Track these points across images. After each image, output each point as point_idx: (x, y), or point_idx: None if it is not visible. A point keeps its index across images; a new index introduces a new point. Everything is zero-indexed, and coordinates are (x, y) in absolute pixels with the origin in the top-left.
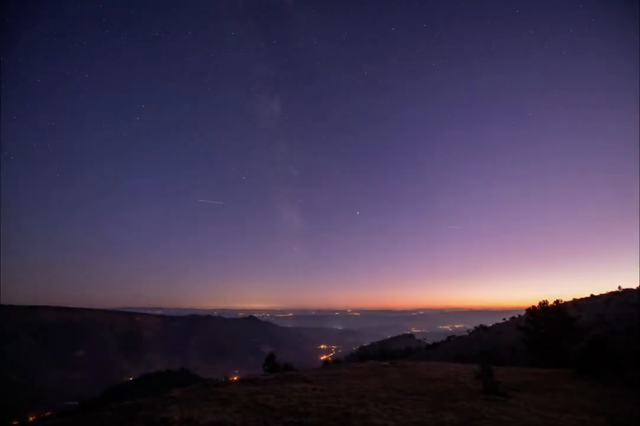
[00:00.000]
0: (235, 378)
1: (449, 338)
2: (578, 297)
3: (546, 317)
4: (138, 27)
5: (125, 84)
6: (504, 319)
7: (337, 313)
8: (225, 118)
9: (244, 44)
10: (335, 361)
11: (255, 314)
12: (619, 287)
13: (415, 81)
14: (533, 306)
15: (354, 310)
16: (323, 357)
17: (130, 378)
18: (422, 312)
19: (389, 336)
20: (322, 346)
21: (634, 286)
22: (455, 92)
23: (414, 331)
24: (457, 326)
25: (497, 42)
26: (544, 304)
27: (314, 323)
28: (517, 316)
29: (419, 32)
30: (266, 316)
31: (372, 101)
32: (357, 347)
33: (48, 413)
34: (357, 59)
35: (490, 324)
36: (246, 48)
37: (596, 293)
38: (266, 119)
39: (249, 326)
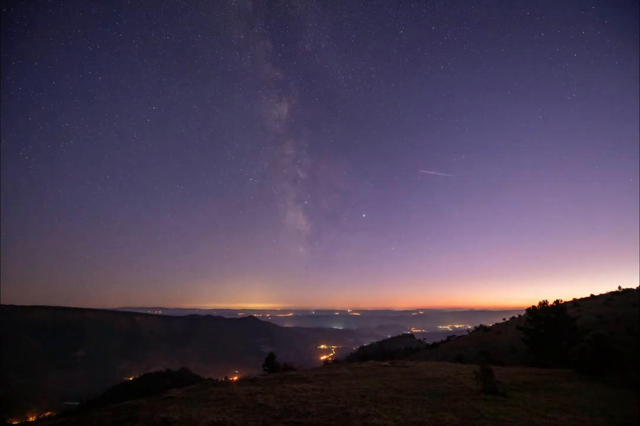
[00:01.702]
0: (235, 378)
1: (449, 338)
2: (578, 297)
3: (546, 317)
4: (149, 31)
5: (136, 87)
6: (504, 319)
7: (337, 313)
8: (233, 120)
9: (253, 47)
10: (335, 361)
11: (255, 314)
12: (619, 287)
13: (423, 84)
14: (533, 306)
15: (354, 310)
16: (323, 357)
17: (130, 378)
18: (422, 312)
19: (389, 336)
20: (322, 346)
21: (634, 286)
22: (464, 95)
23: (414, 331)
24: (457, 326)
25: (506, 44)
26: (544, 304)
27: (314, 323)
28: (517, 316)
29: (427, 34)
30: (266, 316)
31: (380, 104)
32: (357, 347)
33: (48, 413)
34: (365, 61)
35: (490, 325)
36: (255, 51)
37: (596, 293)
38: (274, 121)
39: (249, 326)
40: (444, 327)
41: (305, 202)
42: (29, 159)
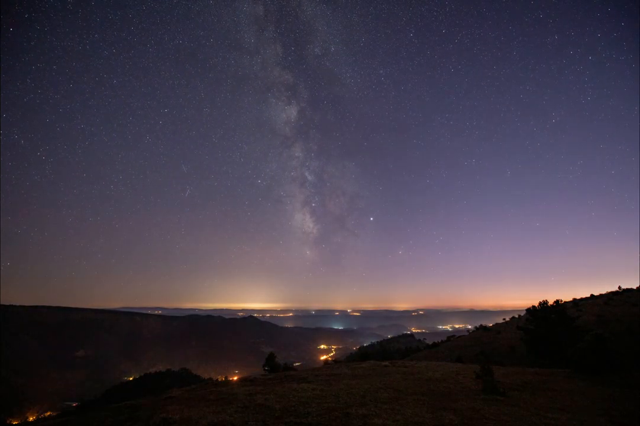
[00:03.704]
0: (235, 378)
1: (449, 338)
2: (578, 297)
3: (546, 317)
4: (163, 35)
5: (149, 90)
6: (504, 319)
7: (337, 313)
8: (243, 122)
9: (263, 51)
10: (335, 361)
11: (255, 314)
12: (619, 287)
13: (433, 87)
14: (533, 306)
15: (354, 310)
16: (323, 357)
17: (130, 378)
18: (422, 312)
19: (389, 336)
20: (322, 346)
21: (634, 286)
22: (475, 98)
23: (414, 331)
24: (457, 326)
25: (519, 47)
26: (544, 304)
27: (314, 323)
28: (517, 316)
29: (438, 37)
30: (266, 316)
31: (390, 107)
32: (357, 347)
33: (48, 413)
34: (374, 65)
35: (490, 325)
36: (265, 54)
37: (596, 293)
38: (282, 124)
39: (249, 326)
40: (444, 327)
41: (313, 205)
42: (46, 159)
